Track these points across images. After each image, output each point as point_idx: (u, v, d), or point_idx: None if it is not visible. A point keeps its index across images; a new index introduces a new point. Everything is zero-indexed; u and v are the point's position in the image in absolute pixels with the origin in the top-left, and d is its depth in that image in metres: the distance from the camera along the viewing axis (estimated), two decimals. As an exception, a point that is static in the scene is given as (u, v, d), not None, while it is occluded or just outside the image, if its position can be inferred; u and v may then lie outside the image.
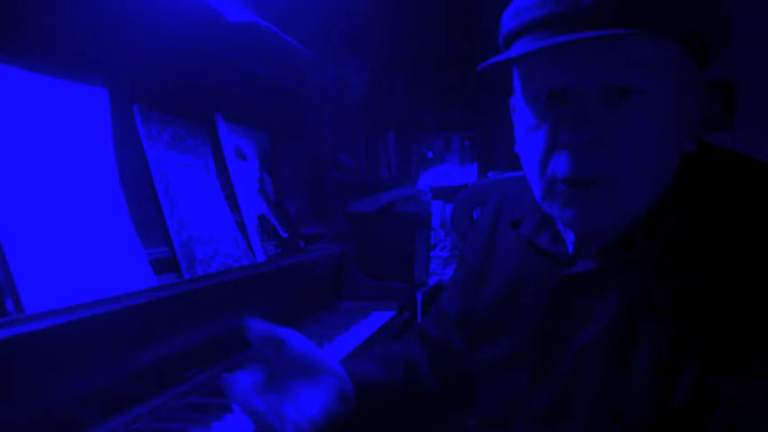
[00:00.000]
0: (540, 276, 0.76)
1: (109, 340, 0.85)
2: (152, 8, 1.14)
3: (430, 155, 3.67)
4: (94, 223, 0.96)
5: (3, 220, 0.80)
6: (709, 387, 0.60)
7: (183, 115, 1.32)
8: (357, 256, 1.87)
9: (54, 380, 0.76)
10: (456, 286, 0.91)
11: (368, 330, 1.45)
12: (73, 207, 0.93)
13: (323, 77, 2.05)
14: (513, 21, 0.67)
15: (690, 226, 0.64)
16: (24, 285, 0.79)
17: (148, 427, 0.87)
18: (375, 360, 0.87)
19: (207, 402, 0.95)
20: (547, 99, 0.65)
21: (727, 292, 0.60)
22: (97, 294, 0.86)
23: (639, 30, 0.59)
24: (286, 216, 1.66)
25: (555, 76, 0.64)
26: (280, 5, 1.59)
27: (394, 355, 0.89)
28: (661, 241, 0.65)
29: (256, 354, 1.22)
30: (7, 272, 0.78)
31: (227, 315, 1.17)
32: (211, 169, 1.38)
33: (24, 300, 0.79)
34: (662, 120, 0.63)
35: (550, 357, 0.72)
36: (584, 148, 0.62)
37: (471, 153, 3.78)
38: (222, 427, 0.86)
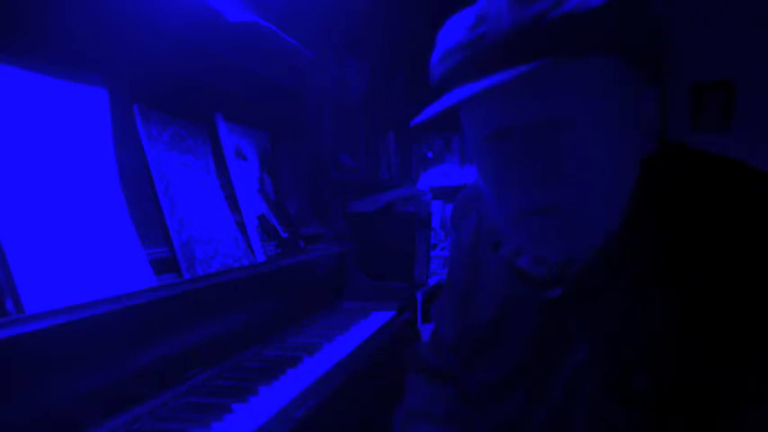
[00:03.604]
0: (525, 298, 0.74)
1: (109, 340, 0.85)
2: (152, 8, 1.14)
3: (430, 155, 3.66)
4: (94, 223, 0.96)
5: (3, 220, 0.80)
6: (707, 402, 0.59)
7: (183, 115, 1.32)
8: (357, 256, 1.87)
9: (54, 380, 0.76)
10: (447, 310, 0.90)
11: (368, 330, 1.45)
12: (73, 207, 0.93)
13: (323, 77, 2.05)
14: (438, 67, 0.65)
15: (670, 236, 0.62)
16: (24, 285, 0.79)
17: (148, 427, 0.87)
18: None
19: (207, 402, 0.95)
20: (491, 139, 0.64)
21: (722, 300, 0.60)
22: (97, 294, 0.86)
23: (548, 59, 0.55)
24: (286, 216, 1.66)
25: (491, 117, 0.63)
26: (280, 5, 1.59)
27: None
28: (641, 255, 0.63)
29: (256, 354, 1.22)
30: (7, 272, 0.78)
31: (227, 315, 1.17)
32: (211, 169, 1.38)
33: (24, 300, 0.79)
34: (608, 136, 0.60)
35: (542, 381, 0.71)
36: (531, 182, 0.61)
37: (471, 153, 3.77)
38: (222, 427, 0.86)
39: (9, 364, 0.70)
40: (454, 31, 0.62)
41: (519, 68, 0.56)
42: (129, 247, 1.01)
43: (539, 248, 0.67)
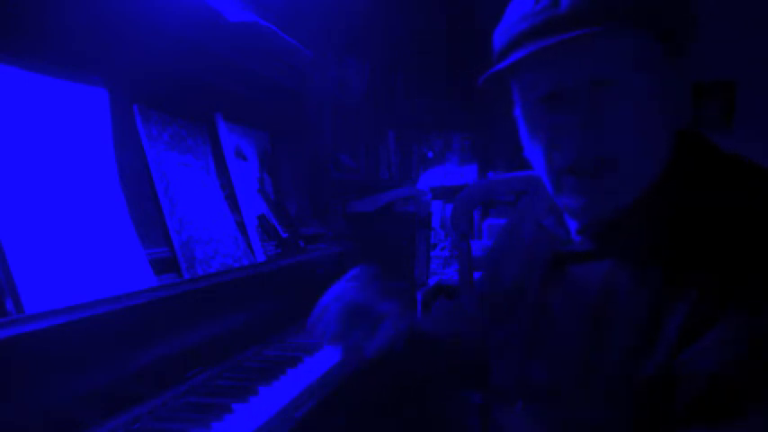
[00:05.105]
0: (542, 256, 0.82)
1: (109, 340, 0.85)
2: (152, 8, 1.14)
3: (430, 155, 3.66)
4: (94, 223, 0.96)
5: (3, 220, 0.80)
6: (678, 362, 0.62)
7: (183, 115, 1.32)
8: (357, 256, 1.87)
9: (54, 380, 0.76)
10: (486, 271, 1.03)
11: (368, 330, 1.44)
12: (73, 207, 0.93)
13: (323, 77, 2.05)
14: (502, 37, 0.73)
15: (680, 213, 0.67)
16: (24, 285, 0.79)
17: (148, 427, 0.87)
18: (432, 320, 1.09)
19: (207, 402, 0.95)
20: (542, 102, 0.71)
21: (721, 300, 0.61)
22: (97, 294, 0.86)
23: (603, 26, 0.64)
24: (286, 216, 1.66)
25: (545, 80, 0.70)
26: (280, 5, 1.59)
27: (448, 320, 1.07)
28: (649, 227, 0.69)
29: (256, 354, 1.22)
30: (7, 272, 0.78)
31: (227, 315, 1.17)
32: (211, 169, 1.38)
33: (24, 300, 0.79)
34: (645, 102, 0.67)
35: (542, 332, 0.78)
36: (578, 131, 0.68)
37: (471, 153, 3.78)
38: (222, 427, 0.86)
39: (9, 364, 0.70)
40: (520, 5, 0.70)
41: (576, 32, 0.64)
42: (129, 247, 1.01)
43: (581, 205, 0.73)
